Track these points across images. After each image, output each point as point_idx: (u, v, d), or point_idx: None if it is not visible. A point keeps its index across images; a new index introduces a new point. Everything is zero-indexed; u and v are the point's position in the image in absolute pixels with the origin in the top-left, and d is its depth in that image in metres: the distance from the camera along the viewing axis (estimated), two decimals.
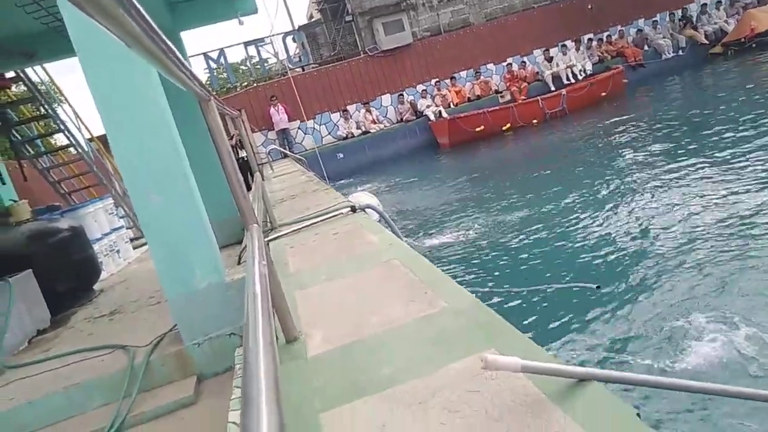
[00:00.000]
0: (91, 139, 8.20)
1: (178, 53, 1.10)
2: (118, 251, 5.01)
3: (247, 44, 15.04)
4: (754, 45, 15.35)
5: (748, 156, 6.44)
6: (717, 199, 5.38)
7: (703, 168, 6.55)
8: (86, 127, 8.14)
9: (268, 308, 0.92)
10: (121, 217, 5.87)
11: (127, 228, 5.83)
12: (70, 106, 7.79)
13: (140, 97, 2.23)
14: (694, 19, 17.39)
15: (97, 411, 2.26)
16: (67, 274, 3.69)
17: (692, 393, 2.05)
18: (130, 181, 2.26)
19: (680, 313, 3.44)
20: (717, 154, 6.92)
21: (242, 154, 9.06)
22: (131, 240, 5.73)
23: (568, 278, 4.38)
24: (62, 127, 6.62)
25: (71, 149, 7.31)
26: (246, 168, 7.32)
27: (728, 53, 15.82)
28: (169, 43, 0.99)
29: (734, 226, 4.60)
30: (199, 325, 2.37)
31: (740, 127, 7.97)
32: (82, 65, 2.17)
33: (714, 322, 3.23)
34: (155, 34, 0.85)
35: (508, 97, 15.47)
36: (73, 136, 6.59)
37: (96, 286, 4.08)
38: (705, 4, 17.74)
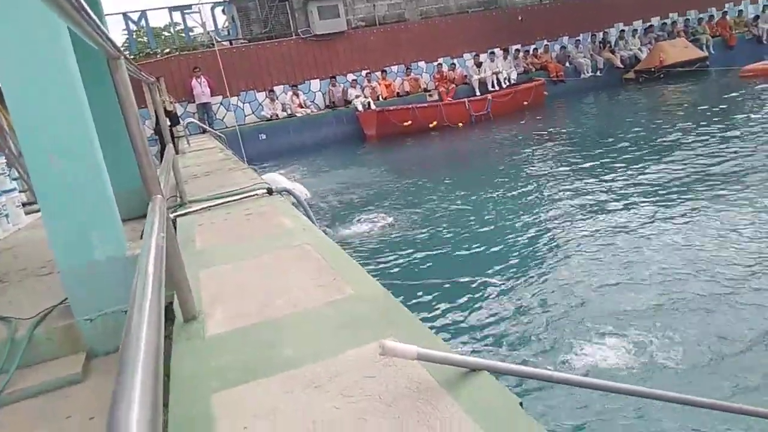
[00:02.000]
0: None
1: (83, 2, 1.02)
2: (7, 216, 4.58)
3: (172, 9, 14.29)
4: (661, 75, 16.67)
5: (643, 170, 7.27)
6: (617, 205, 5.92)
7: (606, 176, 7.22)
8: None
9: (159, 282, 0.89)
10: (14, 179, 5.36)
11: (19, 191, 5.34)
12: None
13: (44, 48, 2.04)
14: (613, 43, 18.63)
15: None
16: None
17: (576, 387, 2.21)
18: (26, 140, 2.06)
19: (577, 316, 3.68)
20: (618, 166, 7.71)
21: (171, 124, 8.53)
22: (23, 205, 5.26)
23: (473, 274, 4.56)
24: None
25: None
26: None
27: (640, 79, 17.08)
28: None
29: (631, 232, 5.02)
30: (93, 300, 2.21)
31: (640, 146, 8.84)
32: None
33: (606, 325, 3.48)
34: None
35: (435, 97, 15.76)
36: None
37: None
38: (623, 31, 19.06)
